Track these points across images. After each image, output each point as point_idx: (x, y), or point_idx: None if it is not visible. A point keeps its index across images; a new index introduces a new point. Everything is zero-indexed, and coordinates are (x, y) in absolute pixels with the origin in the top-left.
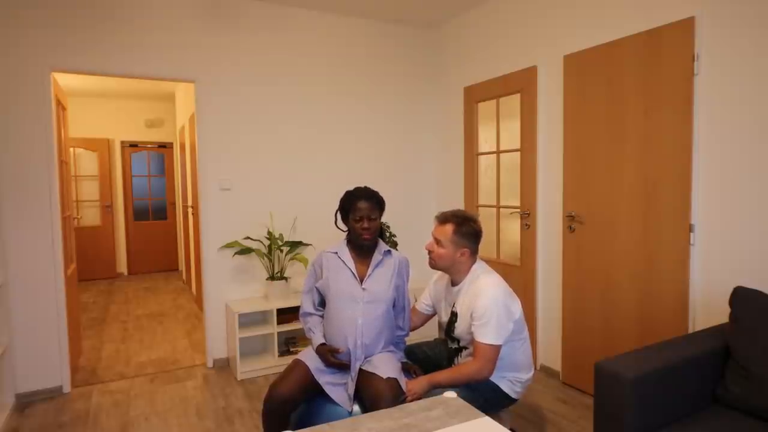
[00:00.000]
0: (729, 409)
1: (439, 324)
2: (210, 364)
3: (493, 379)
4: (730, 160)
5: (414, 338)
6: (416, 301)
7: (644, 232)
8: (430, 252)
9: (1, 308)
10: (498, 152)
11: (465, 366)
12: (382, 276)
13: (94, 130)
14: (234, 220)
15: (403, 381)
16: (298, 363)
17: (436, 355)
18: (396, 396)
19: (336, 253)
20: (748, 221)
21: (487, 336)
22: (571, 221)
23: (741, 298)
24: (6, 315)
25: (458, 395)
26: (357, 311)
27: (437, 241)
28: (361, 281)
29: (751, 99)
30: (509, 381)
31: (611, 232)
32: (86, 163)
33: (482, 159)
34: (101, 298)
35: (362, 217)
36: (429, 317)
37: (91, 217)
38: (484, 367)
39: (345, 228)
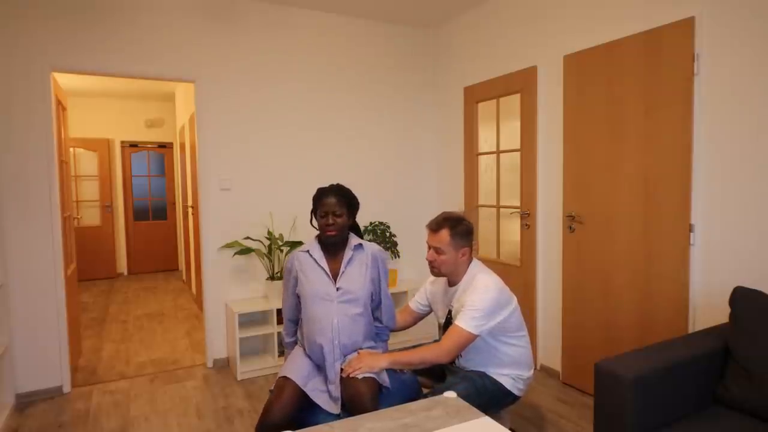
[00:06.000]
0: (729, 409)
1: (439, 325)
2: (210, 364)
3: (496, 376)
4: (730, 160)
5: (413, 339)
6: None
7: (644, 232)
8: (432, 262)
9: (1, 308)
10: (498, 152)
11: (428, 346)
12: (355, 272)
13: (94, 130)
14: (234, 220)
15: (384, 374)
16: (286, 381)
17: None
18: (374, 394)
19: (308, 251)
20: (748, 221)
21: (464, 320)
22: (571, 221)
23: (741, 298)
24: (6, 315)
25: (462, 393)
26: (332, 311)
27: (436, 250)
28: (335, 280)
29: (751, 99)
30: (512, 378)
31: (611, 232)
32: (86, 163)
33: (482, 159)
34: (101, 298)
35: (327, 212)
36: (422, 316)
37: (91, 217)
38: (449, 350)
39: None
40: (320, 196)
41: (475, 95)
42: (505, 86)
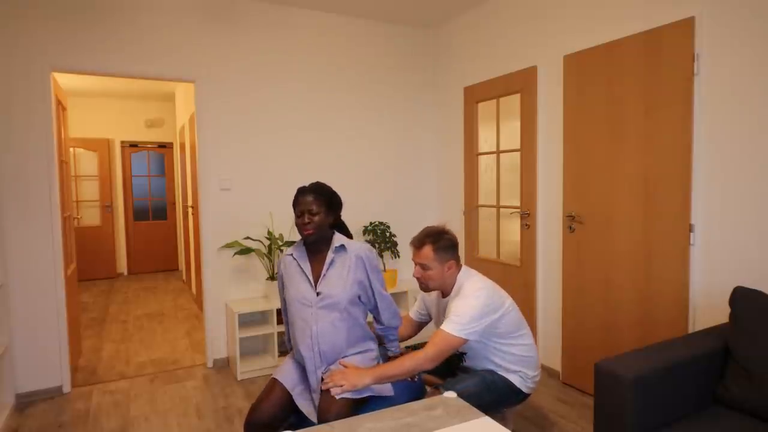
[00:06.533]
0: (729, 409)
1: None
2: (210, 364)
3: (505, 374)
4: (730, 160)
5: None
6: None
7: (644, 232)
8: (419, 279)
9: (1, 308)
10: (498, 152)
11: (413, 353)
12: (336, 276)
13: (94, 130)
14: (234, 220)
15: (387, 384)
16: (275, 383)
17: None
18: (341, 414)
19: (292, 254)
20: (748, 221)
21: (448, 325)
22: (571, 221)
23: (741, 298)
24: (6, 315)
25: (473, 389)
26: (311, 317)
27: (422, 266)
28: (317, 283)
29: (751, 99)
30: (520, 377)
31: (611, 232)
32: (86, 163)
33: (482, 159)
34: (101, 298)
35: (303, 211)
36: (424, 324)
37: (91, 217)
38: (432, 356)
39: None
40: (297, 195)
41: (475, 95)
42: (505, 86)
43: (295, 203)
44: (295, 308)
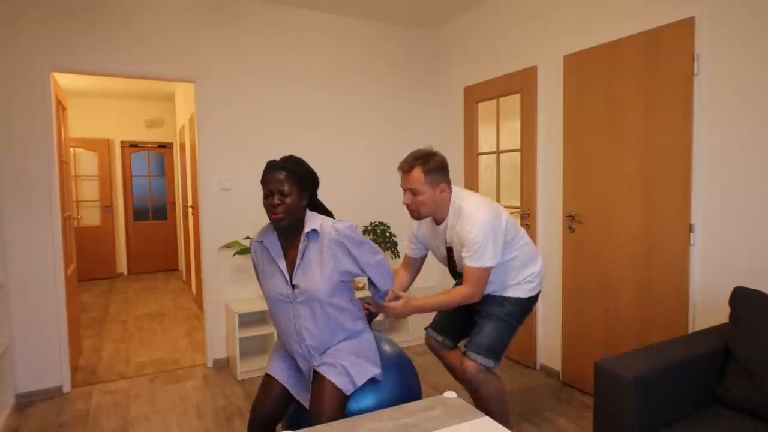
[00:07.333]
0: (729, 409)
1: (443, 262)
2: (210, 364)
3: (512, 292)
4: (730, 160)
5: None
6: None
7: (644, 232)
8: (409, 205)
9: (1, 308)
10: (498, 152)
11: (457, 291)
12: (312, 265)
13: (94, 130)
14: (234, 220)
15: (379, 372)
16: (270, 380)
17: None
18: (333, 411)
19: (261, 241)
20: (748, 221)
21: (476, 260)
22: (571, 221)
23: (741, 298)
24: (6, 315)
25: (496, 331)
26: (292, 315)
27: (413, 191)
28: (291, 275)
29: (751, 99)
30: (525, 283)
31: (611, 232)
32: (86, 163)
33: (482, 159)
34: (101, 298)
35: (272, 191)
36: (423, 258)
37: (91, 217)
38: (476, 290)
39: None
40: (266, 171)
41: (475, 95)
42: (505, 86)
43: (264, 180)
44: (275, 305)
